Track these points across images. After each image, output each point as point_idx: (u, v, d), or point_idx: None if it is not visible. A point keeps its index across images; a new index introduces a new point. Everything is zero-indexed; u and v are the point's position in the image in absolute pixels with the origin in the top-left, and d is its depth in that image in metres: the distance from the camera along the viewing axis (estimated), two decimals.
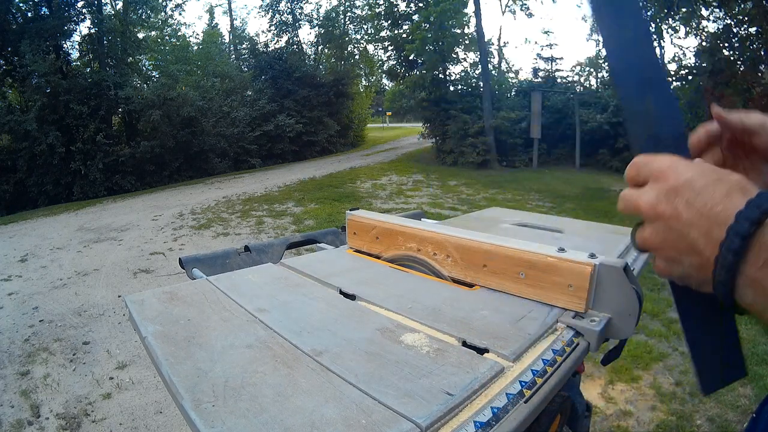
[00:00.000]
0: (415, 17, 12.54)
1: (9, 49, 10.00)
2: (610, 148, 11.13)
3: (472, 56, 12.87)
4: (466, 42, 12.23)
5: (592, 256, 0.56)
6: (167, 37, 13.43)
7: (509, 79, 15.45)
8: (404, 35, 12.63)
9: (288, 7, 16.90)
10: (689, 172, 0.32)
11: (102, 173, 10.09)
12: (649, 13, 6.94)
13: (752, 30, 5.97)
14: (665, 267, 0.35)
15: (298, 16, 17.08)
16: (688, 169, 0.32)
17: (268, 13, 16.88)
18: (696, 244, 0.30)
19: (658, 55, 0.45)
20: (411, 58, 12.52)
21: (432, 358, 0.47)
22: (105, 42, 11.20)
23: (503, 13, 18.08)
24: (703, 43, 6.57)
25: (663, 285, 3.65)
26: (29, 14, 10.41)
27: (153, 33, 12.92)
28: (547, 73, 14.78)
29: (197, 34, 17.35)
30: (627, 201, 0.36)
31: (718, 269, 0.28)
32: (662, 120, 0.40)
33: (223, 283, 0.69)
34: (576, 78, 14.60)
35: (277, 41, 16.94)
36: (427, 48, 11.95)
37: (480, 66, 12.32)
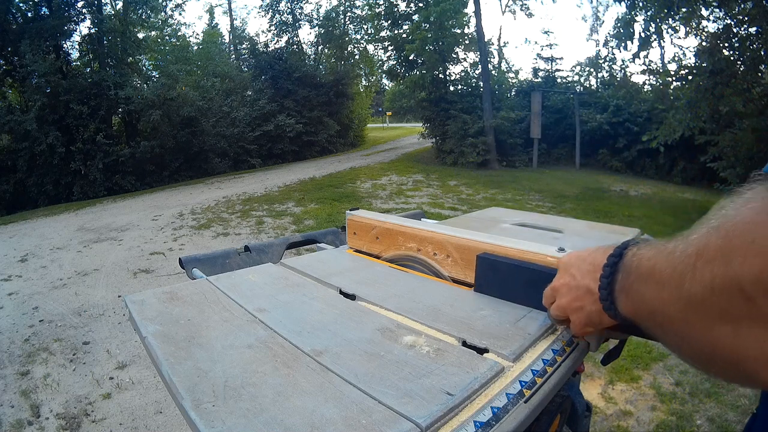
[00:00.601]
0: (415, 17, 12.53)
1: (9, 49, 10.00)
2: (610, 148, 11.14)
3: (472, 56, 12.88)
4: (466, 42, 12.23)
5: None
6: (167, 37, 13.44)
7: (509, 79, 15.45)
8: (404, 35, 12.62)
9: (288, 7, 16.89)
10: (580, 253, 0.50)
11: (102, 173, 10.09)
12: (649, 13, 6.93)
13: (752, 30, 5.97)
14: (574, 322, 0.49)
15: (298, 16, 17.08)
16: (579, 251, 0.51)
17: (268, 13, 16.88)
18: (590, 286, 0.45)
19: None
20: (411, 58, 12.51)
21: (432, 358, 0.47)
22: (105, 42, 11.20)
23: (503, 13, 18.10)
24: (703, 43, 6.56)
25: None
26: (29, 14, 10.41)
27: (153, 33, 12.92)
28: (547, 73, 14.79)
29: (197, 34, 17.41)
30: (546, 294, 0.53)
31: (602, 290, 0.42)
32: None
33: (223, 283, 0.69)
34: (576, 78, 14.61)
35: (277, 41, 16.94)
36: (427, 48, 11.94)
37: (480, 66, 12.32)
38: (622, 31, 7.21)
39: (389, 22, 13.26)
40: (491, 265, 0.64)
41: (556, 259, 0.58)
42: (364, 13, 16.04)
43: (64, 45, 10.91)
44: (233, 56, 17.27)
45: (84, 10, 10.83)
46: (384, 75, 16.11)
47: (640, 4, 7.01)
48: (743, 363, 0.28)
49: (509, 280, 0.62)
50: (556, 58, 15.10)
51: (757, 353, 0.27)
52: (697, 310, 0.30)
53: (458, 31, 11.99)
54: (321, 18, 17.22)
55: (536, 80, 14.67)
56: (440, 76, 12.78)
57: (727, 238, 0.27)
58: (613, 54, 12.42)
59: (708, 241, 0.28)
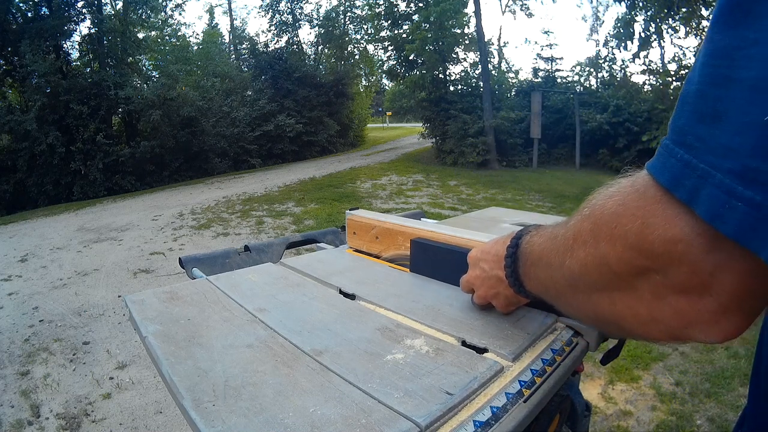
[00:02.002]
0: (415, 17, 12.52)
1: (9, 49, 10.01)
2: (610, 148, 11.13)
3: (472, 56, 12.87)
4: (466, 42, 12.22)
5: None
6: (167, 37, 13.44)
7: (509, 79, 15.44)
8: (404, 35, 12.61)
9: (288, 7, 16.90)
10: (483, 246, 0.56)
11: (102, 173, 10.09)
12: (649, 13, 6.93)
13: None
14: (500, 304, 0.55)
15: (298, 16, 17.09)
16: (482, 245, 0.56)
17: (268, 13, 16.89)
18: (499, 275, 0.50)
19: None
20: (411, 58, 12.51)
21: (431, 358, 0.47)
22: (105, 42, 11.20)
23: (503, 13, 18.11)
24: None
25: None
26: (29, 14, 10.41)
27: (153, 33, 12.91)
28: (547, 73, 14.79)
29: (197, 34, 17.41)
30: (463, 284, 0.59)
31: (509, 277, 0.47)
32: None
33: (223, 283, 0.69)
34: (576, 78, 14.60)
35: (277, 41, 16.95)
36: (427, 48, 11.93)
37: (480, 66, 12.31)
38: (622, 31, 7.22)
39: (389, 22, 13.26)
40: (422, 248, 0.72)
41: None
42: (364, 13, 16.05)
43: (64, 45, 10.92)
44: (233, 56, 17.27)
45: (84, 10, 10.83)
46: (384, 75, 16.11)
47: (640, 4, 7.01)
48: (621, 323, 0.33)
49: (438, 261, 0.70)
50: (556, 58, 15.10)
51: (628, 315, 0.32)
52: (578, 284, 0.36)
53: (458, 31, 11.99)
54: (321, 18, 17.23)
55: (536, 80, 14.66)
56: (440, 76, 12.78)
57: (596, 224, 0.31)
58: (613, 54, 12.44)
59: (582, 226, 0.33)
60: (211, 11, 20.25)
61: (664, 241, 0.26)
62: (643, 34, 6.95)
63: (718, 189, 0.23)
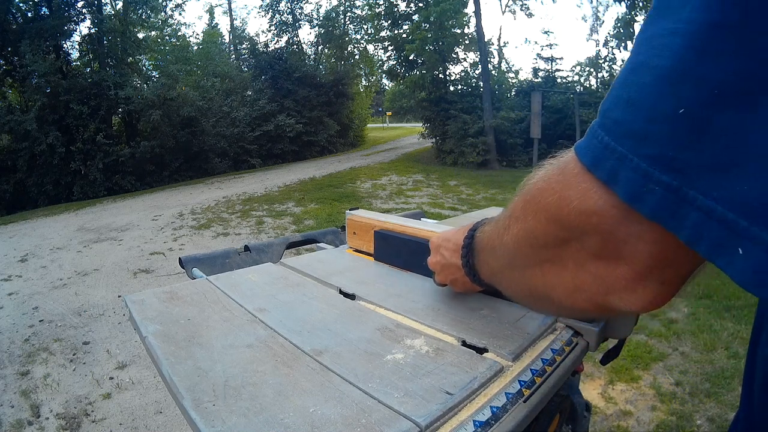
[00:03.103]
0: (415, 17, 12.52)
1: (9, 49, 10.00)
2: None
3: (472, 56, 12.87)
4: (466, 42, 12.22)
5: None
6: (167, 37, 13.43)
7: (509, 79, 15.44)
8: (404, 35, 12.62)
9: (288, 7, 16.90)
10: (445, 234, 0.58)
11: (102, 173, 10.09)
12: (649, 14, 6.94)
13: None
14: (459, 288, 0.59)
15: (298, 16, 17.08)
16: (443, 233, 0.59)
17: (268, 13, 16.88)
18: (458, 264, 0.51)
19: None
20: (411, 58, 12.51)
21: (431, 358, 0.47)
22: (105, 42, 11.20)
23: (503, 13, 18.10)
24: None
25: None
26: (29, 14, 10.41)
27: (153, 33, 12.91)
28: (547, 73, 14.78)
29: (197, 34, 17.40)
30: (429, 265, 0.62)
31: (464, 267, 0.49)
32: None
33: (223, 283, 0.69)
34: (576, 78, 14.59)
35: (277, 41, 16.94)
36: (427, 48, 11.93)
37: (480, 66, 12.31)
38: (622, 31, 7.21)
39: (389, 22, 13.26)
40: (383, 238, 0.80)
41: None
42: (364, 13, 16.05)
43: (64, 45, 10.92)
44: (233, 56, 17.27)
45: (84, 10, 10.83)
46: (384, 75, 16.11)
47: (640, 4, 7.02)
48: (551, 294, 0.35)
49: (397, 250, 0.78)
50: (556, 58, 15.09)
51: (557, 285, 0.33)
52: (514, 261, 0.38)
53: (458, 31, 11.99)
54: (321, 18, 17.23)
55: (536, 80, 14.66)
56: (440, 76, 12.78)
57: (525, 200, 0.33)
58: (613, 54, 12.44)
59: (515, 204, 0.35)
60: (211, 11, 20.28)
61: (578, 212, 0.28)
62: None
63: (635, 173, 0.24)
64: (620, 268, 0.28)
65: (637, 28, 7.01)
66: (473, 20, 12.03)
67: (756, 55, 0.20)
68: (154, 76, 12.46)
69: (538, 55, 15.09)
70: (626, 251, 0.27)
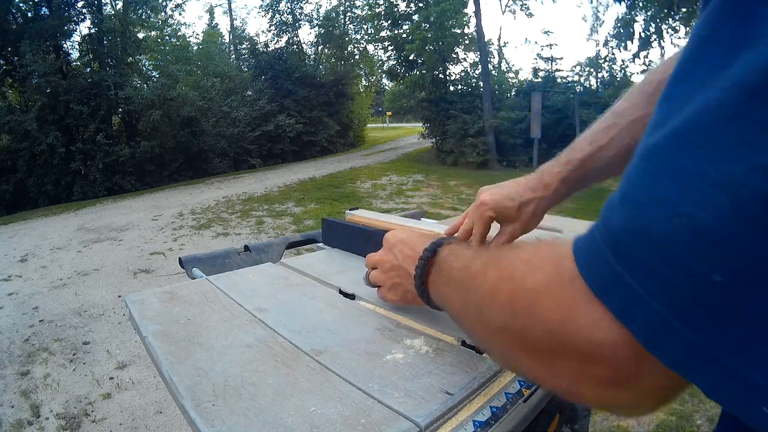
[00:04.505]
0: (415, 17, 12.53)
1: (9, 49, 10.00)
2: None
3: (472, 56, 12.87)
4: (466, 42, 12.23)
5: None
6: (167, 37, 13.42)
7: (509, 79, 15.43)
8: (404, 35, 12.62)
9: (288, 7, 16.90)
10: (403, 234, 0.55)
11: (102, 173, 10.09)
12: (649, 13, 6.93)
13: None
14: (389, 292, 0.57)
15: (298, 16, 17.08)
16: (402, 233, 0.56)
17: (268, 13, 16.88)
18: (408, 269, 0.50)
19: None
20: (411, 58, 12.51)
21: (431, 358, 0.47)
22: (105, 42, 11.19)
23: (503, 13, 18.10)
24: None
25: None
26: (29, 14, 10.40)
27: (153, 33, 12.90)
28: (547, 73, 14.78)
29: (197, 34, 17.40)
30: (369, 259, 0.60)
31: (416, 279, 0.46)
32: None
33: (223, 283, 0.69)
34: (576, 78, 14.58)
35: (277, 41, 16.94)
36: (427, 48, 11.94)
37: (480, 66, 12.31)
38: (622, 31, 7.21)
39: (389, 22, 13.26)
40: (329, 225, 0.91)
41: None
42: (364, 13, 16.05)
43: (64, 45, 10.90)
44: (233, 56, 17.27)
45: (84, 10, 10.83)
46: (384, 75, 16.12)
47: (640, 4, 7.01)
48: (518, 366, 0.32)
49: (342, 235, 0.88)
50: (556, 58, 15.08)
51: (534, 369, 0.30)
52: (485, 330, 0.34)
53: (458, 31, 11.99)
54: (321, 18, 17.22)
55: (536, 80, 14.64)
56: (440, 76, 12.78)
57: (514, 294, 0.29)
58: (613, 54, 12.43)
59: (499, 287, 0.31)
60: (211, 11, 20.22)
61: (587, 341, 0.25)
62: (643, 34, 6.96)
63: (655, 319, 0.21)
64: (624, 392, 0.25)
65: (637, 28, 6.99)
66: (473, 20, 12.04)
67: None
68: (154, 76, 12.46)
69: (538, 55, 15.09)
70: (634, 381, 0.24)
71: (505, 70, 16.55)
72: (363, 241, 0.82)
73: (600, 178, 0.64)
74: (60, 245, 5.05)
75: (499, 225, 0.66)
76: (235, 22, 18.95)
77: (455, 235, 0.69)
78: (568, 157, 0.62)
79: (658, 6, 6.60)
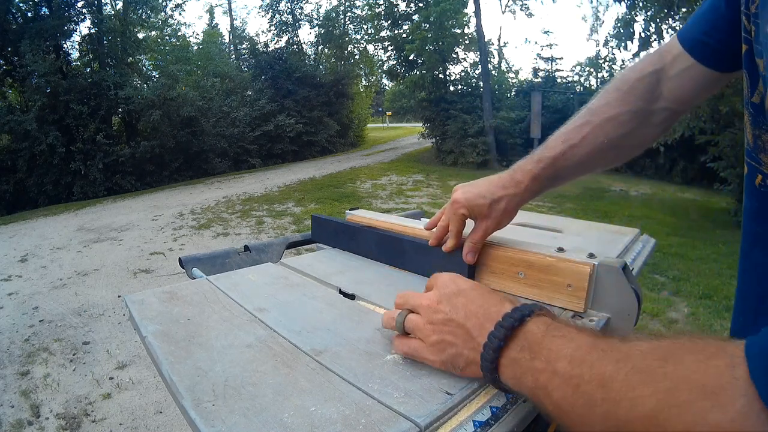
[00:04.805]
0: (415, 17, 12.54)
1: (9, 49, 10.00)
2: None
3: (472, 56, 12.89)
4: (466, 42, 12.24)
5: (591, 256, 0.56)
6: (167, 37, 13.43)
7: (509, 79, 15.45)
8: (404, 35, 12.63)
9: (288, 7, 16.91)
10: (465, 285, 0.44)
11: (102, 173, 10.09)
12: (649, 13, 6.93)
13: None
14: (429, 349, 0.42)
15: (298, 16, 17.10)
16: (464, 283, 0.44)
17: (268, 13, 16.91)
18: (473, 332, 0.40)
19: None
20: (411, 58, 12.52)
21: None
22: (105, 42, 11.20)
23: (503, 12, 18.12)
24: None
25: (662, 285, 3.65)
26: (29, 14, 10.41)
27: (153, 33, 12.91)
28: (547, 73, 14.80)
29: (197, 34, 17.41)
30: (405, 299, 0.47)
31: (486, 349, 0.37)
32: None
33: (223, 283, 0.69)
34: (576, 78, 14.61)
35: (277, 41, 16.97)
36: (427, 48, 11.95)
37: (480, 66, 12.32)
38: (622, 31, 7.21)
39: (389, 22, 13.27)
40: (318, 222, 0.93)
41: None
42: (364, 13, 16.06)
43: (64, 45, 10.92)
44: (233, 56, 17.28)
45: (84, 10, 10.84)
46: (384, 75, 16.12)
47: (640, 4, 7.01)
48: None
49: (330, 231, 0.90)
50: (556, 58, 15.13)
51: None
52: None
53: (458, 31, 12.00)
54: (321, 18, 17.24)
55: (536, 80, 14.68)
56: (440, 76, 12.79)
57: (629, 421, 0.27)
58: (613, 54, 12.45)
59: (666, 419, 0.27)
60: (211, 11, 20.25)
61: None
62: (643, 34, 6.96)
63: None
64: None
65: (637, 28, 6.99)
66: (473, 20, 12.06)
67: None
68: (154, 76, 12.47)
69: (538, 55, 15.17)
70: None
71: (505, 70, 16.60)
72: (348, 237, 0.84)
73: (573, 176, 0.65)
74: (60, 245, 5.05)
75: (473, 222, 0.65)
76: (235, 22, 18.98)
77: (432, 230, 0.68)
78: (541, 155, 0.63)
79: (658, 6, 6.61)
